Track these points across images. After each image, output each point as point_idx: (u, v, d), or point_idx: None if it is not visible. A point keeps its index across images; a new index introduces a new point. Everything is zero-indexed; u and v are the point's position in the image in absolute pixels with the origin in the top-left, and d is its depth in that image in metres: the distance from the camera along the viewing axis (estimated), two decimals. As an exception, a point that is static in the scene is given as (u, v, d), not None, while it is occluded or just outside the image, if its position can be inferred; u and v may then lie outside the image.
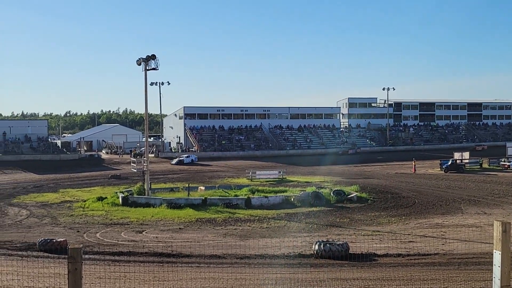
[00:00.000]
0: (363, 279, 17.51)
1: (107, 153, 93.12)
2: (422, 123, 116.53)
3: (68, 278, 5.95)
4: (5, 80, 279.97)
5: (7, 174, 60.86)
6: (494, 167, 63.32)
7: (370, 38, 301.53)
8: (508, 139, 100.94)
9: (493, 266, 5.47)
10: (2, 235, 27.85)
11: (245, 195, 40.18)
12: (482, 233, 24.79)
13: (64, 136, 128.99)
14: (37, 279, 17.03)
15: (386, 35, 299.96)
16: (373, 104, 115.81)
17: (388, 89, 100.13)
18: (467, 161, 64.50)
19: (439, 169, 62.05)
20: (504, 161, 63.72)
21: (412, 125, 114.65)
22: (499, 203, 37.47)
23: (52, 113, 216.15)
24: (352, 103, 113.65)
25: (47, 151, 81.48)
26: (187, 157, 77.25)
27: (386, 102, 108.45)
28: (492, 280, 5.56)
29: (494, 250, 5.44)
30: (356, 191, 41.62)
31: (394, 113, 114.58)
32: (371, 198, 40.32)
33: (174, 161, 75.88)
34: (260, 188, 44.55)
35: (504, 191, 43.14)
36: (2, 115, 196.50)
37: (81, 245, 6.78)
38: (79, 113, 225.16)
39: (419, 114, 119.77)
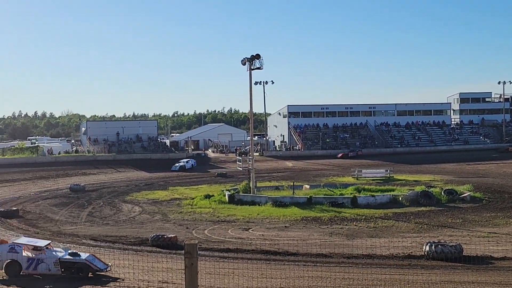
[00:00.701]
0: (478, 283, 16.62)
1: (213, 151, 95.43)
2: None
3: (185, 273, 6.24)
4: (118, 82, 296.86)
5: (120, 172, 64.07)
6: None
7: (482, 29, 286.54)
8: None
9: None
10: (117, 230, 29.40)
11: (351, 193, 39.49)
12: None
13: (172, 136, 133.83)
14: (151, 273, 17.77)
15: (501, 27, 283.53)
16: (487, 99, 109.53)
17: (504, 82, 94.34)
18: None
19: (562, 167, 57.65)
20: None
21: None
22: None
23: (160, 114, 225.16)
24: (464, 99, 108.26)
25: (157, 150, 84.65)
26: (187, 162, 69.30)
27: (502, 96, 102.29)
28: None
29: None
30: (469, 191, 39.56)
31: (511, 108, 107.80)
32: (486, 198, 38.18)
33: (177, 167, 66.68)
34: (366, 186, 43.60)
35: None
36: (115, 116, 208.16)
37: (197, 241, 6.96)
38: (186, 113, 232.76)
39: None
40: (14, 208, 36.17)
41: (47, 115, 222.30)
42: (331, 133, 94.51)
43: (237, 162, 51.98)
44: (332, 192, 41.21)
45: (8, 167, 64.16)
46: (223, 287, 15.43)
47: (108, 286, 17.40)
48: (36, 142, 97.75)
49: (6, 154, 76.54)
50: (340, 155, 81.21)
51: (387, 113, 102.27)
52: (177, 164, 67.07)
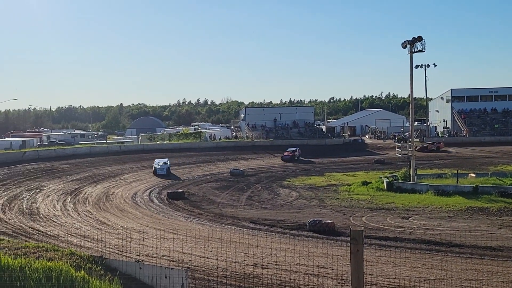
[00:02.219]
0: None
1: (370, 138, 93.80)
2: None
3: (350, 259, 6.37)
4: (275, 70, 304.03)
5: (277, 158, 64.90)
6: None
7: None
8: None
9: None
10: (275, 214, 29.95)
11: (524, 183, 36.33)
12: None
13: (329, 122, 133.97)
14: (308, 257, 17.73)
15: None
16: None
17: None
18: None
19: None
20: None
21: None
22: None
23: (316, 100, 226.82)
24: None
25: (313, 136, 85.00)
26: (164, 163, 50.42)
27: None
28: None
29: None
30: None
31: None
32: None
33: (163, 169, 48.97)
34: (542, 176, 39.83)
35: None
36: (272, 103, 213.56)
37: (363, 228, 6.92)
38: (342, 99, 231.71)
39: None
40: (180, 190, 38.56)
41: (209, 102, 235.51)
42: (500, 118, 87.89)
43: (396, 149, 50.51)
44: (502, 182, 38.21)
45: (174, 152, 68.55)
46: (382, 275, 14.89)
47: None
48: (199, 128, 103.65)
49: (173, 139, 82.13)
50: (289, 155, 63.94)
51: None
52: (160, 167, 49.30)
